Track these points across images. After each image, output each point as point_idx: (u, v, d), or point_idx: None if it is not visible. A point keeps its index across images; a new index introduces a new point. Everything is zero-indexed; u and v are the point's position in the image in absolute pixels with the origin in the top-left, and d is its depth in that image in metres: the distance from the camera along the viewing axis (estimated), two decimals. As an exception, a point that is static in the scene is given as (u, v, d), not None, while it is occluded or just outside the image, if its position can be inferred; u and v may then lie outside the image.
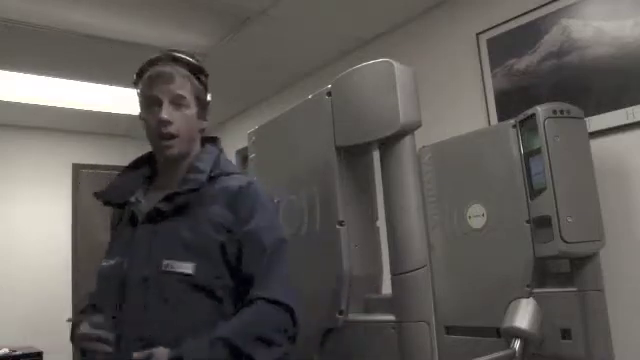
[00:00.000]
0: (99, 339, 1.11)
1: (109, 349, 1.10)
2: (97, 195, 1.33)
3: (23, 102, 3.88)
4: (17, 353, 3.94)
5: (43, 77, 3.48)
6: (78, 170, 4.74)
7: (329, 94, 1.46)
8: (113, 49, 3.05)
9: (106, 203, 1.33)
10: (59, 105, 4.02)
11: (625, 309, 1.94)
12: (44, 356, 3.96)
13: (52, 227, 4.54)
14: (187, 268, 1.14)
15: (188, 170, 1.27)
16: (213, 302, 1.16)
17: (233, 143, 4.37)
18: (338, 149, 1.43)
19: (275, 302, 1.14)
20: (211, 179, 1.26)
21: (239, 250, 1.18)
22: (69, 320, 1.33)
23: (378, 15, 2.90)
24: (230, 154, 4.37)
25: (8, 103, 3.88)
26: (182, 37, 3.04)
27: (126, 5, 2.63)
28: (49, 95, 3.82)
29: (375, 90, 1.33)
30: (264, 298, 1.14)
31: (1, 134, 4.44)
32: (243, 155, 4.15)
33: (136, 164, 1.38)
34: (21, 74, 3.40)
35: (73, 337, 1.21)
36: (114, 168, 1.41)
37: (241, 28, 2.93)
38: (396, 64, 1.31)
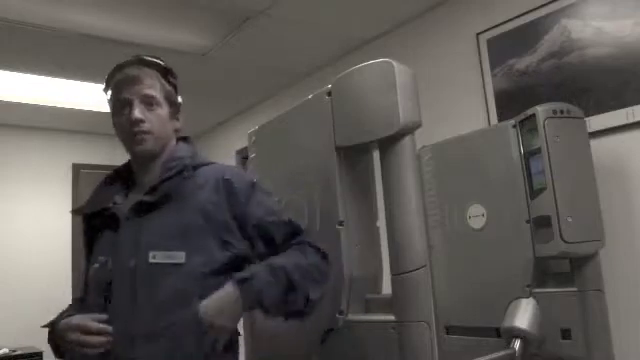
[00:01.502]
0: (99, 331, 1.09)
1: (107, 341, 1.09)
2: (76, 212, 1.34)
3: (23, 102, 3.88)
4: (17, 353, 3.95)
5: (43, 77, 3.48)
6: (78, 170, 4.75)
7: (329, 94, 1.46)
8: (113, 49, 3.04)
9: (84, 217, 1.33)
10: (59, 105, 4.02)
11: (625, 309, 1.94)
12: (44, 356, 3.96)
13: (52, 227, 4.53)
14: (178, 257, 1.14)
15: (166, 162, 1.27)
16: (207, 290, 1.14)
17: (233, 143, 4.37)
18: (338, 149, 1.43)
19: (315, 247, 1.25)
20: (194, 168, 1.27)
21: (253, 225, 1.23)
22: (45, 326, 1.31)
23: (378, 15, 2.89)
24: (230, 154, 4.37)
25: (8, 103, 3.88)
26: (182, 37, 3.04)
27: (126, 5, 2.63)
28: (49, 95, 3.82)
29: (375, 90, 1.33)
30: (308, 243, 1.25)
31: (1, 134, 4.44)
32: (243, 155, 4.15)
33: (113, 177, 1.37)
34: (21, 74, 3.40)
35: (53, 336, 1.19)
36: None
37: (241, 28, 2.93)
38: (396, 64, 1.31)
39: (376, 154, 1.41)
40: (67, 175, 4.71)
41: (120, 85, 1.25)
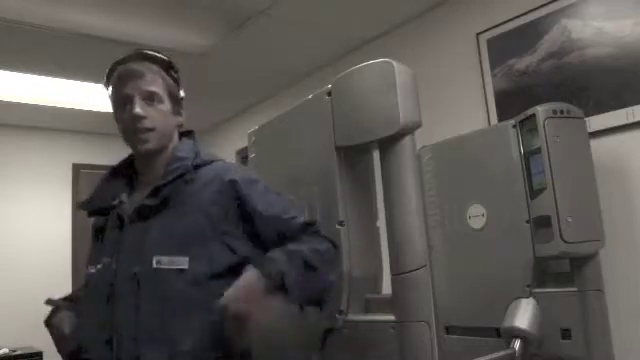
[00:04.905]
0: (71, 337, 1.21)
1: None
2: (80, 206, 1.32)
3: (23, 102, 3.88)
4: (17, 353, 3.95)
5: (43, 77, 3.48)
6: (78, 170, 4.75)
7: (329, 94, 1.46)
8: (113, 49, 3.02)
9: (90, 213, 1.32)
10: (59, 105, 4.02)
11: (625, 309, 1.94)
12: (44, 356, 3.96)
13: (52, 227, 4.54)
14: (181, 263, 1.13)
15: (169, 162, 1.25)
16: (210, 294, 1.12)
17: (233, 143, 4.37)
18: (338, 149, 1.43)
19: (325, 237, 1.25)
20: (195, 168, 1.25)
21: (258, 227, 1.21)
22: (48, 302, 1.34)
23: (378, 15, 2.90)
24: (230, 154, 4.37)
25: (8, 103, 3.88)
26: (182, 37, 3.04)
27: (126, 5, 2.63)
28: (49, 95, 3.82)
29: (375, 90, 1.33)
30: (320, 234, 1.24)
31: (1, 134, 4.44)
32: (243, 155, 4.15)
33: (117, 170, 1.35)
34: (21, 74, 3.40)
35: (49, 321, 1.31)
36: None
37: (241, 28, 2.93)
38: (396, 64, 1.31)
39: (376, 154, 1.41)
40: (67, 175, 4.71)
41: (120, 80, 1.23)
